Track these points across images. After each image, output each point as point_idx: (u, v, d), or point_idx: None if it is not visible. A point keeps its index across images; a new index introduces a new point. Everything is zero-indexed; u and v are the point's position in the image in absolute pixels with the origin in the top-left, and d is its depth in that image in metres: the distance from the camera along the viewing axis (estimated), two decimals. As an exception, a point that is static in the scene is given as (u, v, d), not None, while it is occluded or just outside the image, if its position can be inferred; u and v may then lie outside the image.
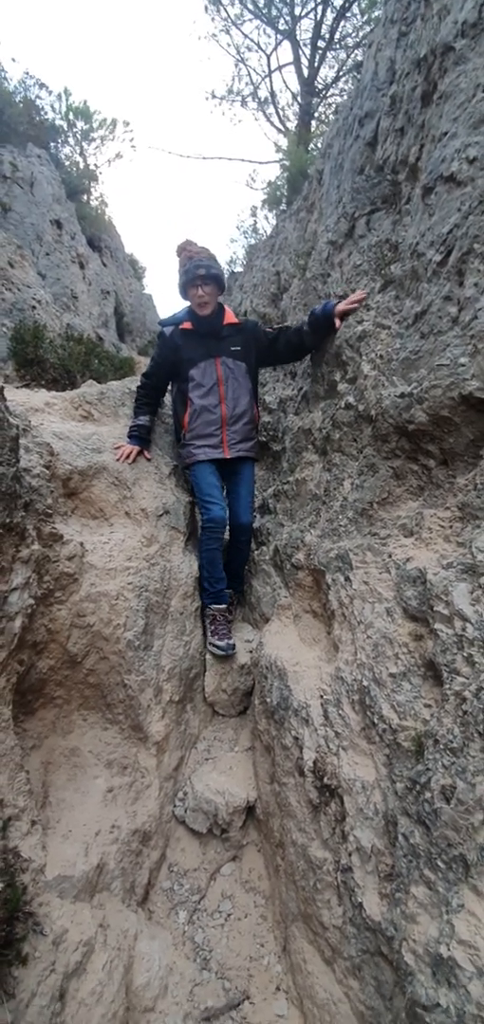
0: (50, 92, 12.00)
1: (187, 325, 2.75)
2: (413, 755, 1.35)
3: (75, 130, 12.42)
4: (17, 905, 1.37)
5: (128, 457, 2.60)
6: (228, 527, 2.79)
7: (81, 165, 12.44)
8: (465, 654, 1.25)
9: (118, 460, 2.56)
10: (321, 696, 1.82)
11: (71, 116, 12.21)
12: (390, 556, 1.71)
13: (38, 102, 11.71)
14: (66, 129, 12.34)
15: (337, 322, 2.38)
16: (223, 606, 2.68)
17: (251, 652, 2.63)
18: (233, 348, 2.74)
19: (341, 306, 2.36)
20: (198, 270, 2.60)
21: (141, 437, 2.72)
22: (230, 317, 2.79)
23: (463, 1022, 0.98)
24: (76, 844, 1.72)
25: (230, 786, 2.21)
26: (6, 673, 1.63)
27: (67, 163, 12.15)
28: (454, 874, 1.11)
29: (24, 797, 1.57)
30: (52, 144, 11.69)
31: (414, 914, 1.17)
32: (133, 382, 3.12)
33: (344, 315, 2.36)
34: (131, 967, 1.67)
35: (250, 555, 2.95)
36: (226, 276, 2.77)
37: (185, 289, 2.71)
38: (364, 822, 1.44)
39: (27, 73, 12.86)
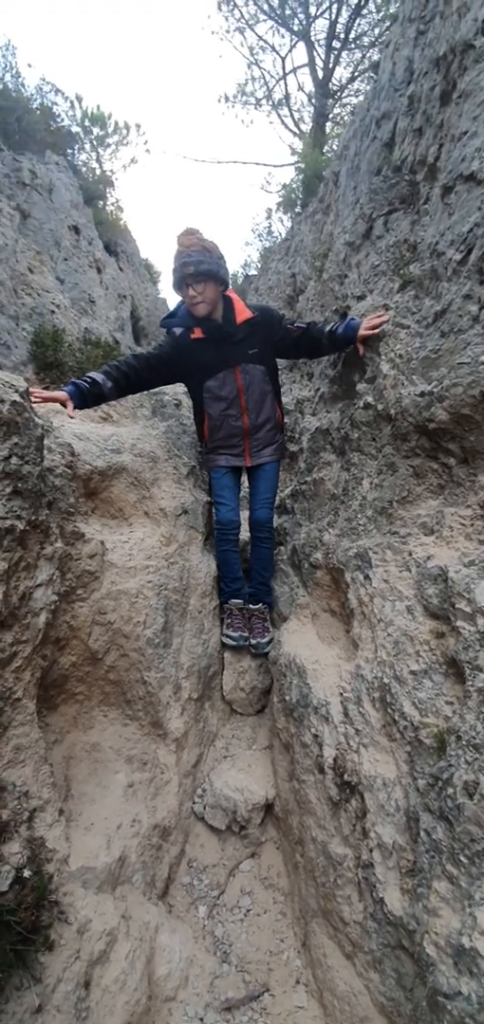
0: (66, 98, 12.21)
1: (198, 334, 2.46)
2: (435, 752, 1.35)
3: (91, 136, 12.60)
4: (43, 893, 1.41)
5: (44, 401, 2.09)
6: (250, 525, 2.76)
7: (97, 171, 12.62)
8: (488, 651, 1.25)
9: (35, 400, 1.93)
10: (341, 694, 1.82)
11: (87, 123, 12.40)
12: (410, 554, 1.71)
13: (54, 109, 11.90)
14: (82, 136, 12.53)
15: (360, 348, 2.25)
16: (240, 602, 2.69)
17: (269, 651, 2.64)
18: (251, 351, 2.52)
19: (362, 331, 2.19)
20: (185, 268, 2.30)
21: (80, 390, 2.20)
22: (242, 312, 2.50)
23: (486, 1013, 0.98)
24: (98, 837, 1.75)
25: (249, 783, 2.23)
26: (30, 668, 1.67)
27: (84, 169, 12.33)
28: (477, 868, 1.11)
29: (48, 789, 1.61)
30: (69, 150, 11.87)
31: (436, 908, 1.18)
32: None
33: (366, 340, 2.21)
34: (152, 958, 1.69)
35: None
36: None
37: (178, 289, 2.41)
38: (385, 818, 1.44)
39: (43, 79, 13.09)
